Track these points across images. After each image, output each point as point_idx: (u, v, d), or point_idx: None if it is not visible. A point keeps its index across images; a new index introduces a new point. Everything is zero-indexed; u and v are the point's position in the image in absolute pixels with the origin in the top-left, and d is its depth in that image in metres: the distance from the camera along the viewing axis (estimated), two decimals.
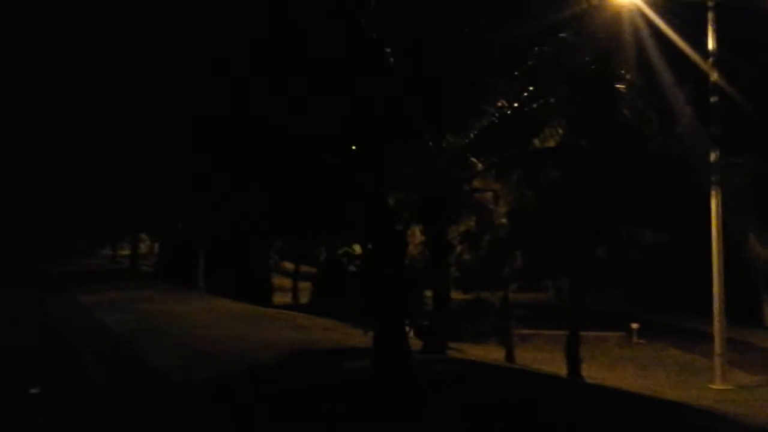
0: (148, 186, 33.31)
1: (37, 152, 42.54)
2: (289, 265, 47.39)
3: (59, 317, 23.51)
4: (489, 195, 21.13)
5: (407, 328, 14.51)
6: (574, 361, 21.45)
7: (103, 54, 20.70)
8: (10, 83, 37.00)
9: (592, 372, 22.66)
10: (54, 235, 58.91)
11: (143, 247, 54.02)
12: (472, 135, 16.21)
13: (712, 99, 20.96)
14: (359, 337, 17.61)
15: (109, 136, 32.35)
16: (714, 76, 20.92)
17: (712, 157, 21.01)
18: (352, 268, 24.15)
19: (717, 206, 20.85)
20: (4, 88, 37.60)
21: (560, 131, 18.32)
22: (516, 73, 14.50)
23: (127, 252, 52.27)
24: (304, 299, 41.39)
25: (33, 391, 12.96)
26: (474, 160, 17.21)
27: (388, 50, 12.58)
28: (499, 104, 15.22)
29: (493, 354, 24.27)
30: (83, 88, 28.75)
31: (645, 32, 19.35)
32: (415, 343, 16.56)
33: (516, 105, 15.27)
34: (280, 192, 14.50)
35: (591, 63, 16.58)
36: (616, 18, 17.79)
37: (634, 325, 31.00)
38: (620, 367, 26.14)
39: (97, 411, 11.72)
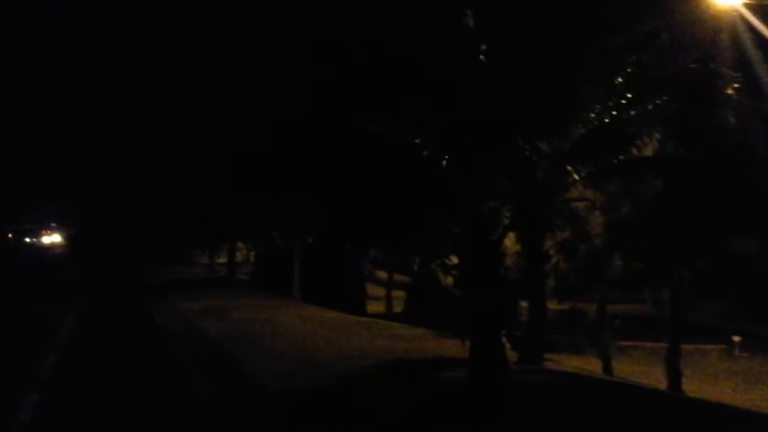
0: (247, 196, 33.93)
1: (136, 162, 43.99)
2: (382, 274, 47.67)
3: (161, 323, 24.13)
4: (585, 204, 20.83)
5: (504, 339, 14.42)
6: (674, 375, 20.99)
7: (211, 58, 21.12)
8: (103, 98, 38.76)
9: (693, 386, 22.12)
10: (153, 243, 60.64)
11: (239, 256, 54.97)
12: (568, 144, 16.01)
13: None
14: (455, 347, 17.57)
15: (208, 147, 33.17)
16: None
17: None
18: (449, 278, 24.16)
19: None
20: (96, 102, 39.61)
21: (658, 138, 17.95)
22: (614, 81, 14.25)
23: (223, 260, 53.27)
24: (397, 308, 41.57)
25: None
26: (570, 169, 16.99)
27: (486, 59, 12.58)
28: (596, 112, 14.99)
29: (590, 366, 23.88)
30: (186, 92, 29.41)
31: (747, 38, 18.81)
32: (511, 354, 16.45)
33: (613, 113, 15.02)
34: (378, 201, 14.62)
35: (692, 68, 16.18)
36: (716, 24, 17.33)
37: (736, 338, 30.12)
38: (722, 381, 25.44)
39: (201, 419, 12.01)
